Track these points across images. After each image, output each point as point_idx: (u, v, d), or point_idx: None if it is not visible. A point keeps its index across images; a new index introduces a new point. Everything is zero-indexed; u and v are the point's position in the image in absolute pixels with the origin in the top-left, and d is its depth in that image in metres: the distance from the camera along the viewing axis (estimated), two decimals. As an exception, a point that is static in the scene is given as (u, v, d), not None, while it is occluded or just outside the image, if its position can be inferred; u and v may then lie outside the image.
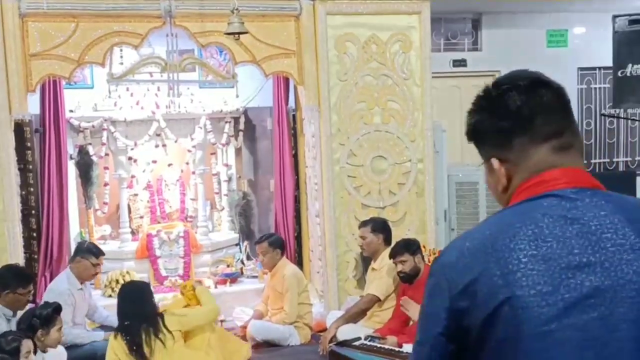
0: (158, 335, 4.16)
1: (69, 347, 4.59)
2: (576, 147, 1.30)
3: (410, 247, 4.74)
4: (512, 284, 1.15)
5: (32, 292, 4.51)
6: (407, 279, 4.70)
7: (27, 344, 3.44)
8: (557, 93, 1.33)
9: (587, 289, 1.14)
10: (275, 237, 5.64)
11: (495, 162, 1.31)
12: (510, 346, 1.14)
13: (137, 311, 4.27)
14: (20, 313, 4.15)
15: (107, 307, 5.27)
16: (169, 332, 4.21)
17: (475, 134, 1.37)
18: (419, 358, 1.27)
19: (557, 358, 1.12)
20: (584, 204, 1.22)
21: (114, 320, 5.05)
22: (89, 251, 4.89)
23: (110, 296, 5.77)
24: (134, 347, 4.09)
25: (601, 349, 1.12)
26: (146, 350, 4.08)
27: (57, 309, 4.05)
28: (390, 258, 4.85)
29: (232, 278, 6.18)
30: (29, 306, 4.45)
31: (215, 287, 5.94)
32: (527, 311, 1.13)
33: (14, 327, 4.01)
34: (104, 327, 5.08)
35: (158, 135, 6.40)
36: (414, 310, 4.31)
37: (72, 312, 4.76)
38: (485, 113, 1.33)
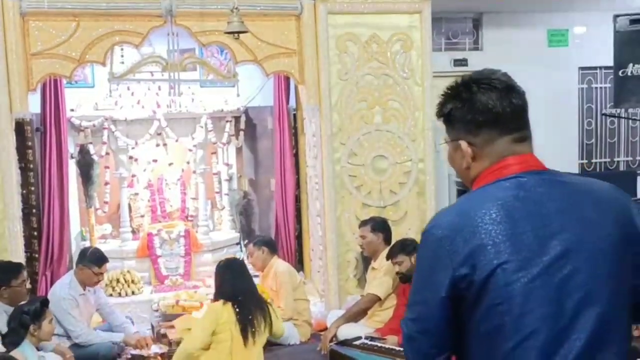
0: (266, 320, 4.15)
1: (70, 347, 4.61)
2: (529, 138, 1.61)
3: (406, 247, 4.73)
4: (502, 253, 1.44)
5: (27, 280, 4.53)
6: (405, 279, 4.70)
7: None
8: (523, 97, 1.62)
9: (558, 251, 1.46)
10: (260, 238, 5.66)
11: (463, 144, 1.60)
12: (501, 302, 1.43)
13: (249, 288, 4.24)
14: None
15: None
16: (272, 321, 4.22)
17: (449, 117, 1.64)
18: (422, 317, 1.53)
19: (540, 308, 1.42)
20: (541, 184, 1.54)
21: (128, 328, 5.05)
22: (91, 260, 4.84)
23: (110, 295, 5.77)
24: (244, 322, 4.01)
25: (574, 295, 1.44)
26: (251, 336, 4.04)
27: (44, 302, 4.06)
28: (387, 259, 4.85)
29: (233, 277, 6.18)
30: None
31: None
32: (516, 273, 1.43)
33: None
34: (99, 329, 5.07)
35: (159, 134, 6.40)
36: None
37: (79, 315, 4.78)
38: (463, 104, 1.60)
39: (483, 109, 1.58)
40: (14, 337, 3.80)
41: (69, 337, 4.72)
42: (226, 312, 4.01)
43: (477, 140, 1.59)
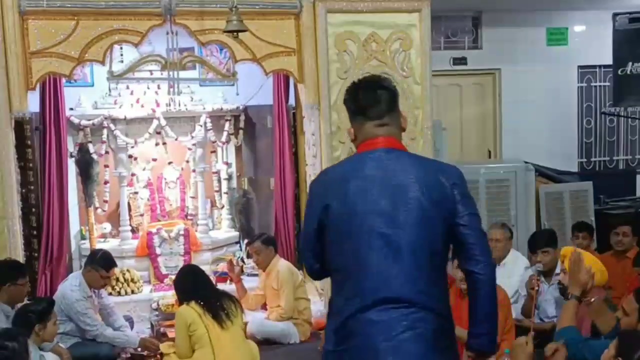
0: (235, 303, 4.24)
1: (71, 347, 4.63)
2: (391, 124, 2.32)
3: None
4: (350, 196, 2.24)
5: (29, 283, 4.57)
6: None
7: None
8: (386, 95, 2.33)
9: (388, 197, 2.21)
10: (267, 236, 5.69)
11: (350, 125, 2.40)
12: (344, 226, 2.24)
13: (209, 283, 4.42)
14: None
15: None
16: (241, 307, 4.33)
17: (345, 106, 2.41)
18: (306, 238, 2.37)
19: (373, 223, 2.21)
20: (387, 157, 2.27)
21: (128, 335, 5.04)
22: (100, 264, 4.86)
23: (110, 294, 5.76)
24: (214, 308, 4.10)
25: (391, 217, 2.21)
26: (226, 317, 4.11)
27: (51, 303, 4.08)
28: None
29: (232, 276, 6.17)
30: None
31: (215, 285, 5.92)
32: (354, 206, 2.22)
33: (13, 325, 4.02)
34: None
35: (158, 133, 6.40)
36: None
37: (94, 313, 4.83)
38: (348, 98, 2.39)
39: (355, 102, 2.34)
40: None
41: (68, 336, 4.75)
42: (191, 310, 4.09)
43: (355, 123, 2.36)
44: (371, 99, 2.29)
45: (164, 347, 4.61)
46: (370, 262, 2.18)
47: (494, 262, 2.36)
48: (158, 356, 4.75)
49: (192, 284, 4.27)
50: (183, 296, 4.25)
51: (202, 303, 4.12)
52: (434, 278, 2.23)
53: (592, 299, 3.17)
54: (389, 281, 2.15)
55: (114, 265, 4.98)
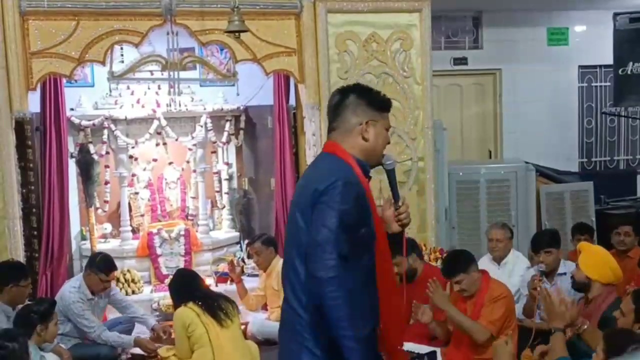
0: (231, 302, 4.26)
1: (71, 347, 4.63)
2: (339, 129, 2.43)
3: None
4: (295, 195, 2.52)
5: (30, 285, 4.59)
6: (401, 280, 4.68)
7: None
8: (345, 99, 2.44)
9: (295, 200, 2.45)
10: (268, 236, 5.69)
11: None
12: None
13: (203, 285, 4.47)
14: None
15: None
16: (237, 308, 4.37)
17: None
18: None
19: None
20: (316, 160, 2.56)
21: (148, 320, 5.12)
22: (100, 267, 4.85)
23: (111, 294, 5.77)
24: (212, 307, 4.13)
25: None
26: (225, 316, 4.14)
27: (53, 303, 4.09)
28: None
29: (233, 276, 6.17)
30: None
31: (216, 285, 5.94)
32: (292, 208, 2.45)
33: (15, 325, 4.02)
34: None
35: (159, 133, 6.39)
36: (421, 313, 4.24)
37: (92, 314, 4.83)
38: None
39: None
40: None
41: (68, 337, 4.75)
42: (189, 311, 4.11)
43: None
44: (330, 104, 2.48)
45: (162, 350, 4.60)
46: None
47: (327, 279, 2.19)
48: (159, 357, 4.75)
49: (188, 285, 4.29)
50: (179, 298, 4.26)
51: (199, 303, 4.13)
52: (309, 282, 2.30)
53: (585, 326, 3.18)
54: (285, 278, 2.45)
55: (114, 268, 4.98)
